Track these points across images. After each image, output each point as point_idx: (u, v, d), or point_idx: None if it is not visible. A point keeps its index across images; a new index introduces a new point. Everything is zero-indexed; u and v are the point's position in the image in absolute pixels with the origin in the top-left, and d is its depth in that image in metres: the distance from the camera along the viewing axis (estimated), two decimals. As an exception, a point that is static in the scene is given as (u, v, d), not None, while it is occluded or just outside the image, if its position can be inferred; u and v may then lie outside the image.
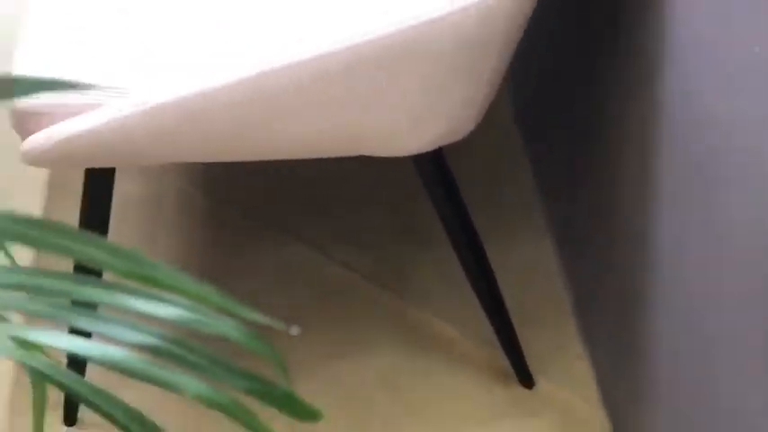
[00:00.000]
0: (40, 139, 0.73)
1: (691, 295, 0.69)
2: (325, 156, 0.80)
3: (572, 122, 0.98)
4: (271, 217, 1.13)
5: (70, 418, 0.88)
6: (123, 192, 0.99)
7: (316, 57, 0.70)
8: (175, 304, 0.28)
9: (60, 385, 0.30)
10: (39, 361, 0.30)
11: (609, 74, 0.84)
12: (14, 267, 0.37)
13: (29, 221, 0.29)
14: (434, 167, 0.83)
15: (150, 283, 0.27)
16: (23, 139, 0.75)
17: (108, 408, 0.28)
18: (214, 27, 0.83)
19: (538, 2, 0.73)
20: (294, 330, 0.94)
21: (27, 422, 0.45)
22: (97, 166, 0.80)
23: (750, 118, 0.56)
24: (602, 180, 0.89)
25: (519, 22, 0.73)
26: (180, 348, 0.27)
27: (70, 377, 0.30)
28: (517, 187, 1.15)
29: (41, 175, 1.15)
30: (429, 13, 0.69)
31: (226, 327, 0.27)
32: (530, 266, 1.06)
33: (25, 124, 0.75)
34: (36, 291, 0.31)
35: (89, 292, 0.29)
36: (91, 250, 0.29)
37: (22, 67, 0.77)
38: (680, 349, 0.72)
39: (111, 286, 0.29)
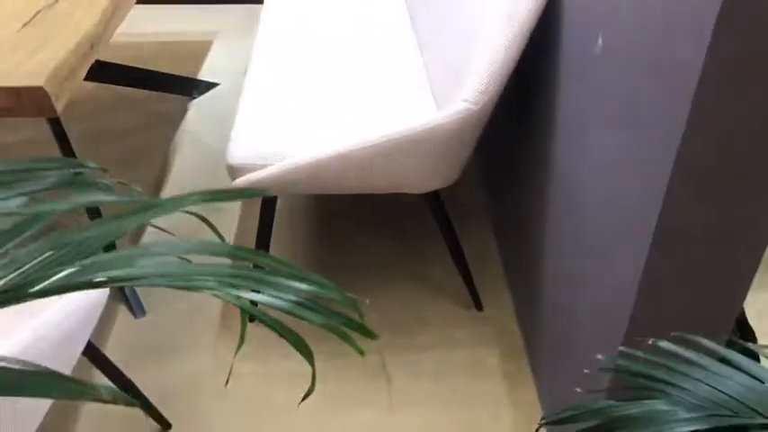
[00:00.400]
0: (244, 181, 1.48)
1: (563, 274, 1.41)
2: (384, 192, 1.54)
3: (509, 176, 1.75)
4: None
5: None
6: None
7: (373, 143, 1.40)
8: (307, 283, 0.56)
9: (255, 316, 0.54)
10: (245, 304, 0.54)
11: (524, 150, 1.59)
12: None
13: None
14: (435, 199, 1.60)
15: (299, 279, 0.58)
16: (233, 179, 1.49)
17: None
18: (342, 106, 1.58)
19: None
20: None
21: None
22: (281, 195, 1.54)
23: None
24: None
25: (483, 120, 1.48)
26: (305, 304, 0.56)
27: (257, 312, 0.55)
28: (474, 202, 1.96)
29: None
30: (431, 120, 1.34)
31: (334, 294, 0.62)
32: (481, 255, 1.86)
33: (236, 173, 1.49)
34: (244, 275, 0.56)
35: (269, 277, 0.56)
36: (269, 261, 0.62)
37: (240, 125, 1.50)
38: (554, 297, 1.40)
39: (274, 273, 0.57)
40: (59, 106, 0.97)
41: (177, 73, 2.69)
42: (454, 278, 1.72)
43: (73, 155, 1.45)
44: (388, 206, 2.02)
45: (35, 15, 1.15)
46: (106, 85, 2.53)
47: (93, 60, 1.12)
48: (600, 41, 1.07)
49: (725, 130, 0.83)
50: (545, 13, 1.29)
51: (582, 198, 1.19)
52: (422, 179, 1.49)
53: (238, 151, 1.45)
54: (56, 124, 1.40)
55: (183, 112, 2.48)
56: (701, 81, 0.78)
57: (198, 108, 2.52)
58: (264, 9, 2.17)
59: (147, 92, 2.55)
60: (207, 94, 2.59)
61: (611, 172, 1.05)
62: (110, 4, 1.23)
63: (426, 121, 1.34)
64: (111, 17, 1.23)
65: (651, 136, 0.91)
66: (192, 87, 2.59)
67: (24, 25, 1.12)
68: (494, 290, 1.75)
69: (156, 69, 2.63)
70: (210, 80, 2.66)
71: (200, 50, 2.91)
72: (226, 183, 1.51)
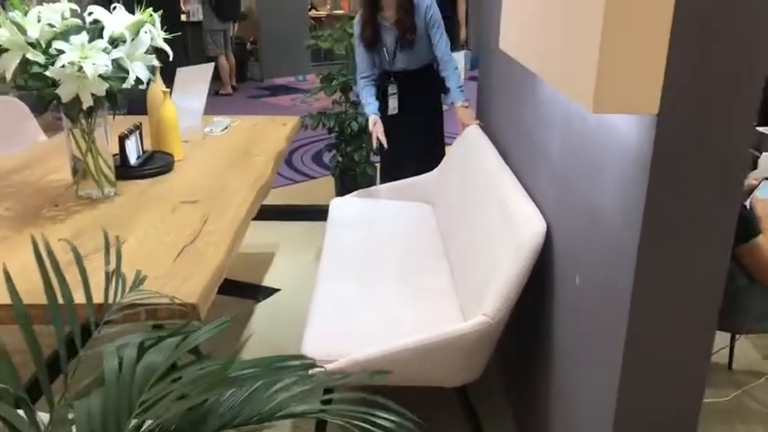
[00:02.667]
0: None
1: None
2: (420, 384, 1.93)
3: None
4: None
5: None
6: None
7: (411, 346, 1.79)
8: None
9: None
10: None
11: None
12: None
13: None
14: (462, 391, 1.98)
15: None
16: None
17: None
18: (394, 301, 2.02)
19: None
20: None
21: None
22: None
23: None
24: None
25: (499, 330, 1.89)
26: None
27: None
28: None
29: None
30: (456, 330, 1.77)
31: None
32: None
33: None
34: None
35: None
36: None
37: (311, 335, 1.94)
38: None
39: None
40: (203, 314, 1.43)
41: (247, 276, 3.21)
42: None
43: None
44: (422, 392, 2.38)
45: (181, 251, 1.65)
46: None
47: (218, 286, 1.59)
48: (577, 279, 1.51)
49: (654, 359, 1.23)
50: (543, 252, 1.75)
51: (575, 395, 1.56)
52: (450, 376, 1.88)
53: (310, 349, 1.86)
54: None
55: (251, 313, 2.95)
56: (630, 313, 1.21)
57: (262, 310, 2.98)
58: (328, 228, 2.71)
59: (221, 296, 3.04)
60: (270, 299, 3.07)
61: (586, 370, 1.44)
62: (231, 242, 1.74)
63: (453, 330, 1.75)
64: (232, 250, 1.73)
65: (608, 340, 1.31)
66: (257, 293, 3.09)
67: (176, 259, 1.61)
68: None
69: (229, 276, 3.15)
70: (273, 286, 3.16)
71: (264, 261, 3.46)
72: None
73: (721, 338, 2.24)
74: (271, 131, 2.91)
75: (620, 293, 1.25)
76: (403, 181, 3.11)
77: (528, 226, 1.77)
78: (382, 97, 3.12)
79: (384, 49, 3.07)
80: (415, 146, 3.20)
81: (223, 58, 8.01)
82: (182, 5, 8.50)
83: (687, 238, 1.17)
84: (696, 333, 1.26)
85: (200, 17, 8.04)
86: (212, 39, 7.93)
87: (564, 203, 1.67)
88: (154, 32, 1.96)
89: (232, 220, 1.87)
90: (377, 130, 2.98)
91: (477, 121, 2.88)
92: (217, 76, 8.11)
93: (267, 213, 4.03)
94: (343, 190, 4.05)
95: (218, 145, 2.69)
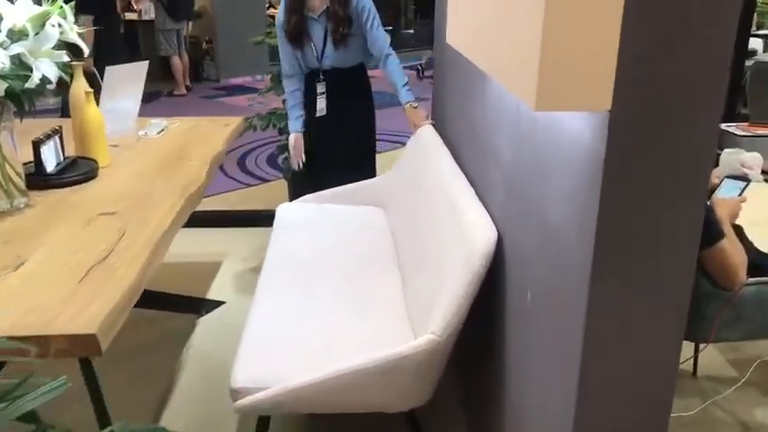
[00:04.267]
0: (247, 402, 1.70)
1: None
2: (362, 411, 1.76)
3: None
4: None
5: None
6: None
7: (349, 371, 1.62)
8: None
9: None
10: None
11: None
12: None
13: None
14: (411, 416, 1.81)
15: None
16: (234, 401, 1.71)
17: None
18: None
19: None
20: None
21: None
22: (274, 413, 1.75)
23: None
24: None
25: (449, 349, 1.74)
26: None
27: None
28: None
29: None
30: (401, 352, 1.56)
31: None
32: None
33: (237, 395, 1.71)
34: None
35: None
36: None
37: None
38: None
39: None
40: (104, 347, 1.25)
41: (189, 290, 3.01)
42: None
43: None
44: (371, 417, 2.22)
45: (89, 271, 1.46)
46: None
47: (128, 310, 1.41)
48: (529, 295, 1.37)
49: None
50: (495, 263, 1.60)
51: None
52: (396, 401, 1.72)
53: (240, 377, 1.68)
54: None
55: (192, 328, 2.76)
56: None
57: (205, 325, 2.79)
58: (273, 235, 2.54)
59: (157, 311, 2.84)
60: (214, 312, 2.88)
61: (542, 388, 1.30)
62: (149, 256, 1.55)
63: (398, 352, 1.59)
64: (149, 267, 1.55)
65: (563, 360, 1.17)
66: (200, 306, 2.89)
67: (81, 280, 1.42)
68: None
69: (169, 288, 2.95)
70: (218, 299, 2.97)
71: (209, 271, 3.26)
72: (227, 400, 1.73)
73: (685, 348, 2.12)
74: (210, 133, 2.72)
75: (574, 313, 1.11)
76: (356, 184, 2.94)
77: (478, 233, 1.62)
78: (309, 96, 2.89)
79: (311, 45, 2.79)
80: (345, 153, 2.95)
81: (176, 58, 7.76)
82: (133, 4, 8.22)
83: (648, 248, 1.03)
84: (661, 350, 1.13)
85: (152, 16, 7.77)
86: (165, 38, 7.66)
87: (514, 211, 1.52)
88: (65, 26, 1.77)
89: (152, 232, 1.69)
90: (297, 148, 2.85)
91: (430, 121, 2.73)
92: (171, 77, 7.86)
93: (214, 220, 3.86)
94: (295, 194, 3.86)
95: (151, 149, 2.50)
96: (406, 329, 1.90)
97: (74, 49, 1.85)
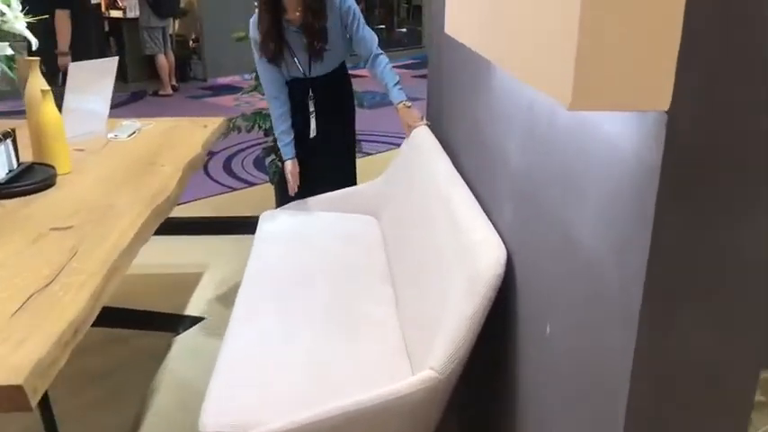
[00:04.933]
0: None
1: None
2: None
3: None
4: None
5: None
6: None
7: (340, 413, 1.36)
8: None
9: None
10: None
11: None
12: None
13: None
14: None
15: None
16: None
17: None
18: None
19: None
20: None
21: None
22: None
23: None
24: None
25: (451, 386, 1.50)
26: None
27: None
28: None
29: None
30: (398, 390, 1.33)
31: None
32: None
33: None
34: None
35: None
36: None
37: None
38: None
39: None
40: (35, 401, 1.02)
41: (166, 304, 2.78)
42: None
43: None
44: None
45: (26, 301, 1.23)
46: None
47: (74, 344, 1.18)
48: (548, 329, 1.15)
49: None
50: (504, 286, 1.38)
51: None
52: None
53: (211, 420, 1.45)
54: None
55: (168, 347, 2.53)
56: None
57: (182, 343, 2.56)
58: (254, 247, 2.31)
59: (130, 330, 2.61)
60: (193, 329, 2.65)
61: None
62: (100, 283, 1.33)
63: (393, 391, 1.37)
64: (101, 294, 1.32)
65: (598, 411, 0.95)
66: (177, 324, 2.66)
67: (15, 312, 1.20)
68: None
69: (143, 302, 2.72)
70: (198, 314, 2.74)
71: (189, 283, 3.03)
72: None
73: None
74: (187, 136, 2.50)
75: (615, 362, 0.89)
76: (346, 190, 2.72)
77: (484, 252, 1.40)
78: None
79: (296, 60, 2.50)
80: (329, 154, 2.69)
81: (162, 57, 7.50)
82: (118, 1, 7.96)
83: (715, 280, 0.81)
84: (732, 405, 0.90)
85: (137, 13, 7.51)
86: (150, 36, 7.40)
87: (528, 227, 1.30)
88: (9, 15, 1.54)
89: (109, 251, 1.46)
90: (294, 175, 2.61)
91: (425, 122, 2.51)
92: (156, 76, 7.60)
93: (196, 227, 3.62)
94: (282, 199, 3.64)
95: (120, 153, 2.27)
96: (401, 360, 1.68)
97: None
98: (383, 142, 5.14)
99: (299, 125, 2.62)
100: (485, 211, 1.62)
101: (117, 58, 2.52)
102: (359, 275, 2.12)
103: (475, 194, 1.74)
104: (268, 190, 4.12)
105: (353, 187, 2.73)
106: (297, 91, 2.59)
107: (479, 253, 1.41)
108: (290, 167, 2.61)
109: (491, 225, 1.52)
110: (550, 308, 1.15)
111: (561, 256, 1.09)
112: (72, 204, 1.76)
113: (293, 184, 2.63)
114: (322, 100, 2.61)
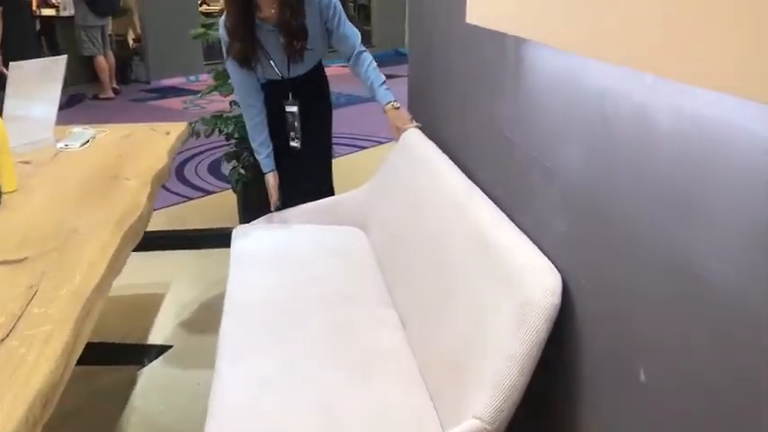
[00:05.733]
0: None
1: None
2: None
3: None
4: None
5: None
6: None
7: None
8: None
9: None
10: None
11: None
12: None
13: None
14: None
15: None
16: None
17: None
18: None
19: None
20: None
21: None
22: None
23: None
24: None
25: None
26: None
27: None
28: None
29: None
30: None
31: None
32: None
33: None
34: None
35: None
36: None
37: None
38: None
39: None
40: None
41: (127, 329, 2.48)
42: None
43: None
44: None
45: (-23, 364, 0.96)
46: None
47: (44, 422, 0.92)
48: (642, 375, 0.95)
49: None
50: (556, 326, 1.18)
51: None
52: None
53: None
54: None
55: (132, 383, 2.24)
56: None
57: (148, 376, 2.28)
58: (231, 269, 2.05)
59: (87, 366, 2.30)
60: (159, 360, 2.36)
61: None
62: (72, 333, 1.06)
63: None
64: (74, 348, 1.06)
65: None
66: (141, 354, 2.37)
67: (-37, 381, 0.92)
68: None
69: (101, 330, 2.41)
70: (162, 341, 2.45)
71: (151, 306, 2.73)
72: None
73: None
74: (149, 144, 2.22)
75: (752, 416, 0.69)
76: (329, 199, 2.48)
77: (533, 279, 1.20)
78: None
79: (271, 62, 2.26)
80: (304, 157, 2.42)
81: (101, 58, 7.05)
82: (51, -2, 7.48)
83: None
84: None
85: (72, 12, 7.04)
86: (87, 36, 6.94)
87: (597, 248, 1.10)
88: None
89: (78, 290, 1.19)
90: (275, 188, 2.37)
91: (416, 124, 2.30)
92: (95, 79, 7.15)
93: (153, 242, 3.30)
94: (247, 209, 3.38)
95: (74, 166, 1.97)
96: (422, 398, 1.45)
97: None
98: (344, 144, 4.89)
99: (276, 131, 2.37)
100: (515, 224, 1.42)
101: (65, 57, 2.23)
102: (356, 297, 1.89)
103: (497, 205, 1.54)
104: (226, 198, 3.83)
105: (334, 197, 2.49)
106: (273, 94, 2.34)
107: (526, 280, 1.20)
108: (272, 181, 2.36)
109: (533, 245, 1.31)
110: (645, 350, 0.95)
111: (666, 288, 0.89)
112: (22, 230, 1.48)
113: (275, 197, 2.38)
114: (302, 101, 2.36)
